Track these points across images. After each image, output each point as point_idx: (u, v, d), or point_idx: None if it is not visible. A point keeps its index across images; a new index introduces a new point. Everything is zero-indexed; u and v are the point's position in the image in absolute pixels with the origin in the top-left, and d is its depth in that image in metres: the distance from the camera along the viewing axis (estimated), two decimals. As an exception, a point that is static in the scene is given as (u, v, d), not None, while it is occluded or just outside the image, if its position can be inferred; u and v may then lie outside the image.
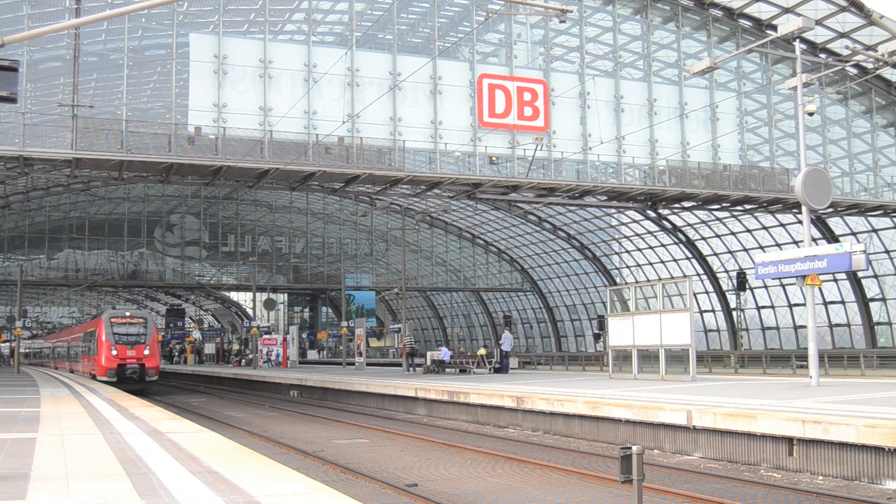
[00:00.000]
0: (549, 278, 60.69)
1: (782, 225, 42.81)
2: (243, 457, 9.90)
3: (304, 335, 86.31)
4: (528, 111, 31.52)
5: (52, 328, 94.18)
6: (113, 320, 36.53)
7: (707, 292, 49.65)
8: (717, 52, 34.16)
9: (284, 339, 57.61)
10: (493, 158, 31.03)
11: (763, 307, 47.85)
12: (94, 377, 36.56)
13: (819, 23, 31.83)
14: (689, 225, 47.00)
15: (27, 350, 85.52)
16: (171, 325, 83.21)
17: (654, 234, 49.96)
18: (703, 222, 45.92)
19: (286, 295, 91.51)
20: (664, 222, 47.78)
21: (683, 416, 15.34)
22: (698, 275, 48.88)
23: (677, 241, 49.12)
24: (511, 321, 59.00)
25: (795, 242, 40.87)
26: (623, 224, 51.24)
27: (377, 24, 30.93)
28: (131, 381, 34.87)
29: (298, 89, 29.01)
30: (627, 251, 54.11)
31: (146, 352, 35.87)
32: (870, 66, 32.01)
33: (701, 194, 34.29)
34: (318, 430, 21.35)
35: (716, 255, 48.22)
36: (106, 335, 35.66)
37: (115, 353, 35.01)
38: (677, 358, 28.08)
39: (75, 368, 46.14)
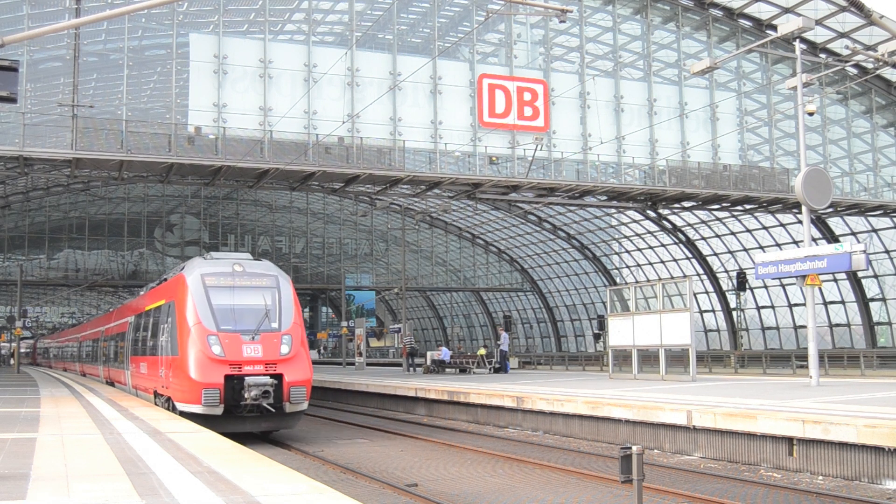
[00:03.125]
0: (549, 278, 60.69)
1: (782, 225, 42.80)
2: (243, 457, 9.89)
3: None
4: (528, 111, 31.52)
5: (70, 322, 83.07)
6: (211, 281, 18.26)
7: (707, 292, 49.64)
8: (717, 52, 34.16)
9: (284, 339, 57.43)
10: (493, 158, 31.02)
11: (763, 307, 47.84)
12: (169, 403, 18.29)
13: (819, 23, 31.83)
14: (689, 225, 47.00)
15: (44, 348, 74.55)
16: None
17: (654, 234, 49.95)
18: (703, 222, 45.91)
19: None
20: (664, 222, 47.77)
21: (683, 416, 15.34)
22: (698, 275, 48.87)
23: (677, 241, 49.11)
24: (510, 321, 59.04)
25: (795, 242, 40.87)
26: (623, 224, 51.23)
27: (377, 24, 30.93)
28: (255, 413, 17.40)
29: (298, 89, 29.00)
30: (627, 251, 54.09)
31: (285, 349, 17.69)
32: (870, 66, 32.00)
33: (701, 194, 34.30)
34: (318, 430, 21.35)
35: (716, 255, 48.22)
36: (197, 311, 17.69)
37: (218, 351, 17.18)
38: (677, 358, 28.08)
39: (120, 379, 26.62)
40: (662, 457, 15.34)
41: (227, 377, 16.91)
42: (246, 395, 16.70)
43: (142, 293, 26.61)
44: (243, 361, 17.05)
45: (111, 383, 29.38)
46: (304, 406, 17.87)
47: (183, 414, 16.75)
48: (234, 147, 28.00)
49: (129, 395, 22.85)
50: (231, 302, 17.95)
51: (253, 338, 17.39)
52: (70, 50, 27.16)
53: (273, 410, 17.16)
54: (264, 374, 17.07)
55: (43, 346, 77.22)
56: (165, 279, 21.93)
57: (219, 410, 16.82)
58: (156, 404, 19.48)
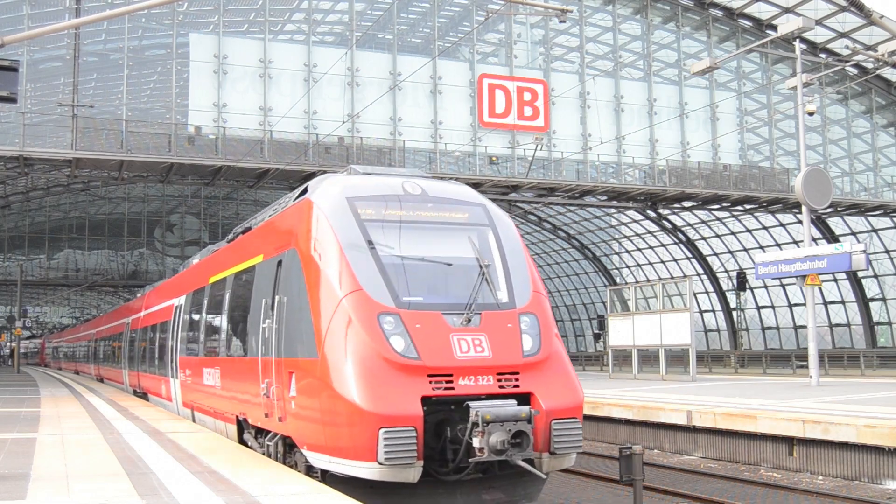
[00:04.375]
0: (549, 278, 60.67)
1: (782, 225, 42.80)
2: (243, 457, 9.88)
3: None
4: (528, 111, 31.52)
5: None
6: (367, 210, 9.09)
7: (707, 292, 49.63)
8: (717, 52, 34.17)
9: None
10: (493, 158, 31.06)
11: (763, 307, 47.84)
12: (279, 446, 9.62)
13: (819, 23, 31.85)
14: (689, 225, 47.00)
15: (53, 348, 67.28)
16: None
17: (654, 234, 49.94)
18: (703, 222, 45.91)
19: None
20: (664, 222, 47.77)
21: (683, 416, 15.34)
22: (698, 275, 48.87)
23: (677, 241, 49.11)
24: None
25: (795, 242, 40.87)
26: (623, 224, 51.22)
27: (377, 24, 30.94)
28: (476, 475, 8.26)
29: (298, 89, 29.01)
30: (627, 251, 54.09)
31: (529, 344, 8.56)
32: (870, 66, 32.02)
33: (701, 194, 34.31)
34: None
35: (716, 255, 48.21)
36: (352, 267, 8.55)
37: (402, 346, 8.13)
38: (677, 358, 28.12)
39: (157, 390, 18.47)
40: (662, 457, 15.33)
41: (426, 401, 8.03)
42: (476, 442, 7.75)
43: (194, 261, 17.61)
44: (457, 367, 8.23)
45: (143, 394, 20.65)
46: (573, 459, 8.74)
47: (328, 478, 8.36)
48: (234, 147, 28.01)
49: (172, 414, 15.66)
50: (414, 251, 9.05)
51: (468, 320, 8.52)
52: (70, 50, 27.19)
53: (523, 467, 8.06)
54: (499, 394, 8.27)
55: (52, 345, 68.33)
56: (249, 228, 12.82)
57: (413, 474, 7.87)
58: (243, 442, 11.07)
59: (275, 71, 28.88)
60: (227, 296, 12.29)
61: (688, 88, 34.84)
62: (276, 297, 9.50)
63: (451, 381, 8.15)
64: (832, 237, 41.04)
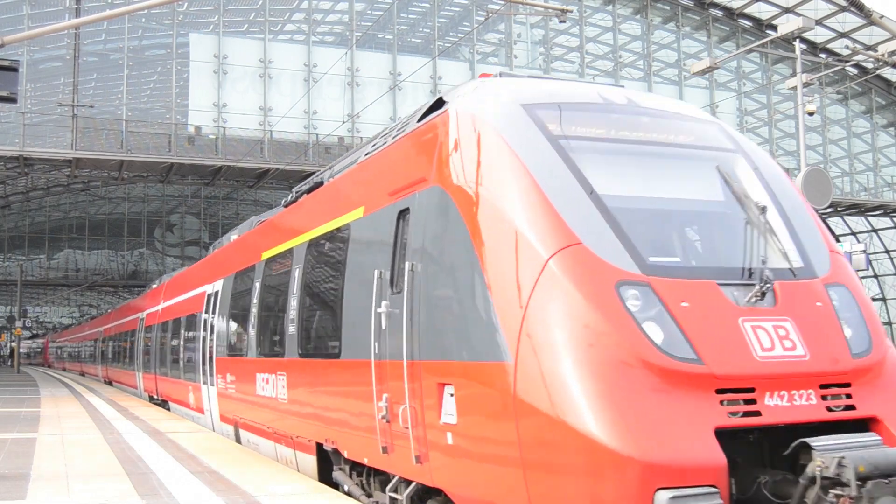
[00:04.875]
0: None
1: (782, 225, 42.79)
2: (243, 457, 9.88)
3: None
4: (528, 111, 31.52)
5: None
6: (554, 123, 5.87)
7: (707, 292, 49.60)
8: (717, 52, 34.17)
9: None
10: (494, 158, 31.06)
11: (763, 307, 47.87)
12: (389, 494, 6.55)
13: (819, 23, 31.86)
14: (689, 225, 47.00)
15: (58, 348, 64.28)
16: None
17: (654, 234, 49.93)
18: (703, 222, 45.91)
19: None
20: (664, 222, 47.79)
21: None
22: (698, 275, 48.84)
23: (677, 241, 49.13)
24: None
25: (795, 242, 40.85)
26: (623, 224, 51.24)
27: (377, 24, 30.94)
28: None
29: (298, 89, 29.01)
30: (627, 251, 54.09)
31: (855, 337, 5.39)
32: (870, 66, 32.02)
33: (701, 194, 34.33)
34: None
35: (716, 255, 48.21)
36: (557, 209, 5.29)
37: (662, 338, 4.93)
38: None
39: (181, 397, 15.85)
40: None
41: (721, 435, 4.72)
42: None
43: (232, 236, 14.68)
44: (761, 377, 5.00)
45: (162, 402, 18.31)
46: None
47: None
48: (234, 147, 28.03)
49: (205, 428, 13.24)
50: (643, 186, 5.97)
51: (760, 295, 5.29)
52: (70, 50, 27.21)
53: None
54: (825, 420, 5.09)
55: (56, 345, 66.26)
56: (320, 183, 9.80)
57: None
58: (326, 481, 8.18)
59: (275, 71, 28.89)
60: (297, 273, 8.95)
61: (688, 88, 34.85)
62: (405, 265, 6.25)
63: (752, 400, 4.97)
64: (832, 237, 41.04)
